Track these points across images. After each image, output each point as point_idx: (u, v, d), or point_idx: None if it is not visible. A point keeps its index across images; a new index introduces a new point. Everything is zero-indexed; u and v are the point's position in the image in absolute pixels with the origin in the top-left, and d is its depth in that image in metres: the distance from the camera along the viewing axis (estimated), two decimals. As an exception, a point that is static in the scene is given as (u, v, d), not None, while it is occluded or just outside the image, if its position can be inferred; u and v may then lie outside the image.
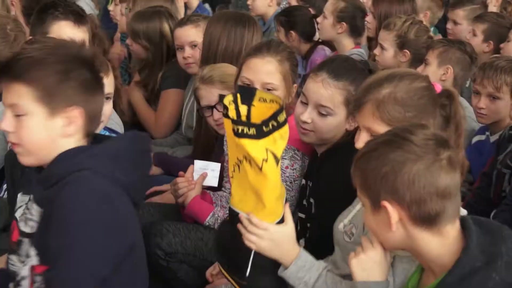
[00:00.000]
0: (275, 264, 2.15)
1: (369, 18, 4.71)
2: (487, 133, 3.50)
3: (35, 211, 2.02)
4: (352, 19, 4.82)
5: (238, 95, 2.05)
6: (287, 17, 5.16)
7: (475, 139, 3.58)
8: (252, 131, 1.94)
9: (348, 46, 4.83)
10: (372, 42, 4.84)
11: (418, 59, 4.07)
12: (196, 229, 2.96)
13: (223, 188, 3.12)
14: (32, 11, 3.76)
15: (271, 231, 2.07)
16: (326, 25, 4.86)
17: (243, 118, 2.06)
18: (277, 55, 2.93)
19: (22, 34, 3.39)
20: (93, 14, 5.82)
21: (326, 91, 2.59)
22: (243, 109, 2.05)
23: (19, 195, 2.17)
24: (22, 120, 1.93)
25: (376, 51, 4.28)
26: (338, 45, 4.93)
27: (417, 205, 1.71)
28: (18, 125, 1.94)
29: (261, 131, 1.95)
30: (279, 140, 2.00)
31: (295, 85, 3.01)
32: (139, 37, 4.26)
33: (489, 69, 3.38)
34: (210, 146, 3.44)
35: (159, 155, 3.72)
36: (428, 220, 1.73)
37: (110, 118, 2.80)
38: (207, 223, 2.94)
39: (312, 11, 5.54)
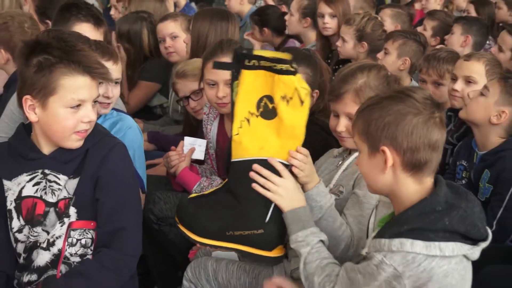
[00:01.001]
0: None
1: (327, 19, 4.72)
2: None
3: (63, 180, 2.11)
4: (314, 14, 4.88)
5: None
6: (260, 16, 5.24)
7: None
8: (287, 67, 1.95)
9: (312, 38, 4.97)
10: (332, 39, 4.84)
11: (374, 50, 4.22)
12: (183, 197, 2.93)
13: (206, 163, 3.21)
14: (45, 9, 3.83)
15: (287, 184, 2.03)
16: (293, 21, 4.98)
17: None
18: (230, 53, 2.89)
19: (37, 31, 3.36)
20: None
21: None
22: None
23: (20, 177, 2.15)
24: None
25: (338, 43, 4.39)
26: (304, 37, 5.06)
27: (411, 153, 1.76)
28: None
29: (295, 68, 1.96)
30: (302, 79, 2.01)
31: None
32: (122, 38, 4.36)
33: (433, 60, 3.46)
34: (196, 126, 3.51)
35: (152, 133, 3.81)
36: (417, 167, 1.78)
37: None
38: (194, 191, 2.98)
39: (285, 8, 5.60)
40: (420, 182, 1.80)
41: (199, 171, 3.16)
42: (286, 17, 5.04)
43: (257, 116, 2.01)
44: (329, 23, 4.70)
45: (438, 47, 4.39)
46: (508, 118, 2.76)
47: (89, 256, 2.15)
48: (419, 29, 4.80)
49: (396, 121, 1.77)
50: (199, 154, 3.15)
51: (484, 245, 1.78)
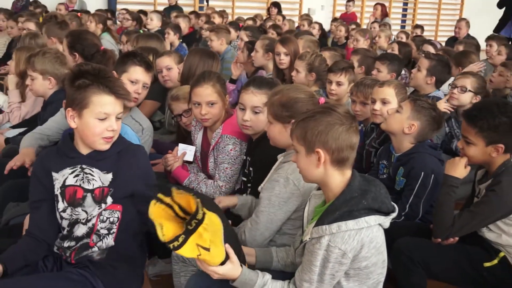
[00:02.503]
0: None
1: (283, 56, 4.67)
2: (362, 125, 3.52)
3: (96, 173, 2.13)
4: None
5: (160, 195, 1.73)
6: (252, 45, 5.09)
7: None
8: (182, 239, 1.66)
9: (271, 68, 4.91)
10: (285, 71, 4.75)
11: (319, 79, 4.23)
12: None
13: (193, 163, 3.21)
14: (74, 45, 3.88)
15: (219, 272, 1.82)
16: (259, 56, 4.91)
17: (174, 206, 1.73)
18: (210, 81, 2.97)
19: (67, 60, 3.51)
20: (114, 49, 5.78)
21: (256, 97, 2.69)
22: (167, 199, 1.73)
23: (64, 170, 2.15)
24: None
25: (293, 73, 4.33)
26: (266, 68, 5.00)
27: (338, 152, 1.80)
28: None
29: (187, 232, 1.66)
30: (204, 233, 1.68)
31: (227, 95, 3.09)
32: None
33: (360, 85, 3.45)
34: (185, 136, 3.51)
35: (154, 141, 3.63)
36: (341, 162, 1.82)
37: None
38: (185, 184, 3.02)
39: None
40: (342, 173, 1.84)
41: (189, 168, 3.16)
42: (253, 54, 4.98)
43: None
44: (284, 59, 4.68)
45: (361, 77, 4.38)
46: (417, 129, 2.78)
47: (114, 230, 2.17)
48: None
49: (327, 129, 1.80)
50: (189, 157, 3.16)
51: (393, 215, 1.84)
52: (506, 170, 2.36)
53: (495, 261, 2.39)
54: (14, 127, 4.06)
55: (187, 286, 2.16)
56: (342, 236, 1.74)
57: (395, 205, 1.88)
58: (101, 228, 2.16)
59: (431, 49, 5.86)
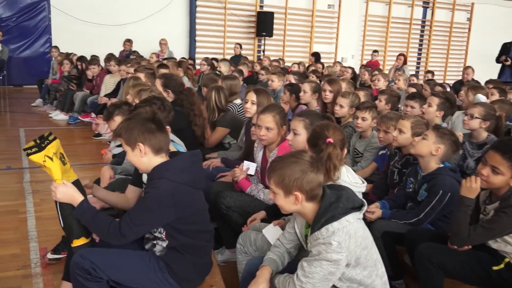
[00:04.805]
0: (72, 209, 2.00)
1: (328, 93, 4.61)
2: (386, 149, 3.48)
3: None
4: (319, 91, 4.79)
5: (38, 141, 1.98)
6: (291, 87, 5.04)
7: (380, 152, 3.56)
8: (35, 149, 1.92)
9: (314, 104, 4.83)
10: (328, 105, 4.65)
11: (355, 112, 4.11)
12: (241, 195, 2.99)
13: (254, 176, 3.17)
14: (168, 84, 3.98)
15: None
16: (308, 96, 4.81)
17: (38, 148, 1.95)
18: (272, 112, 2.94)
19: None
20: (192, 87, 5.80)
21: (295, 122, 2.70)
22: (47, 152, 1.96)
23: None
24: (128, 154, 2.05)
25: (337, 108, 4.18)
26: (310, 105, 4.89)
27: (311, 191, 1.78)
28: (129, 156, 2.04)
29: (40, 146, 1.93)
30: (51, 148, 1.94)
31: (284, 126, 2.97)
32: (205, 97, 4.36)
33: (384, 118, 3.39)
34: (249, 153, 3.44)
35: (224, 158, 3.72)
36: (314, 197, 1.80)
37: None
38: (247, 192, 2.98)
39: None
40: (313, 202, 1.82)
41: (250, 180, 3.13)
42: (301, 94, 4.87)
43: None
44: (328, 96, 4.64)
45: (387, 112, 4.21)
46: (442, 151, 2.71)
47: (163, 235, 2.08)
48: (377, 101, 4.64)
49: (302, 176, 1.76)
50: (252, 171, 3.13)
51: (365, 208, 1.84)
52: None
53: (502, 265, 2.27)
54: (119, 146, 4.15)
55: (246, 266, 2.21)
56: (332, 233, 1.74)
57: (364, 200, 1.86)
58: (157, 231, 2.10)
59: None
